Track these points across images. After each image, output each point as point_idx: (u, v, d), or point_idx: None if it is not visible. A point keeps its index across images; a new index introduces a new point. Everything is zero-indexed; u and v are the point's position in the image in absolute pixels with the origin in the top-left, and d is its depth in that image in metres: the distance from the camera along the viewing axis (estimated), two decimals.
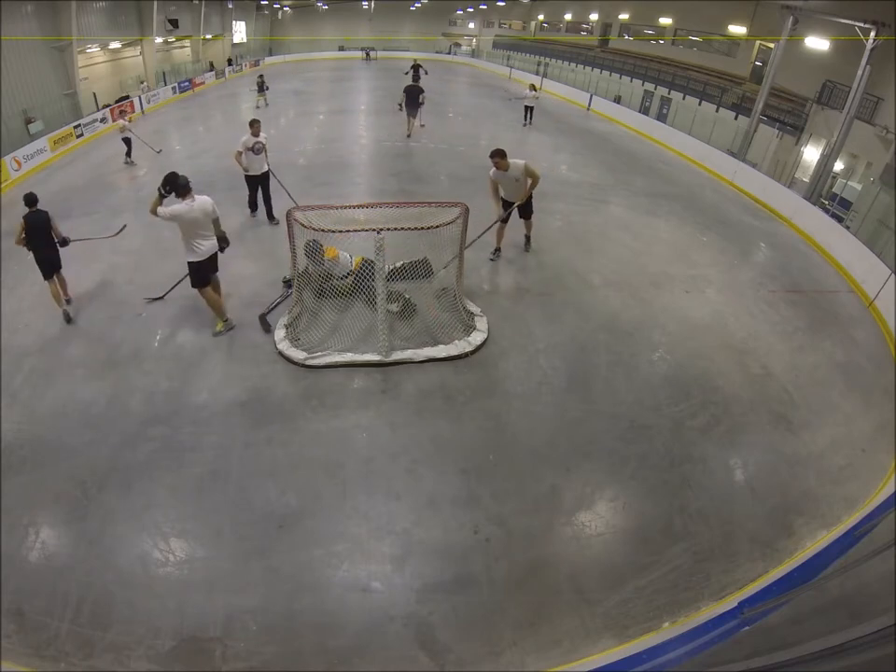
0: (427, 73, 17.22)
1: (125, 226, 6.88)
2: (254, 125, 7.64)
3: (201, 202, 4.95)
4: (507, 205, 6.57)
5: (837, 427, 4.66)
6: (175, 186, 4.85)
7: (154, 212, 4.81)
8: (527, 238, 7.24)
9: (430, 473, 3.94)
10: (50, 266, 5.66)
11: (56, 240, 5.60)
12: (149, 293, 6.09)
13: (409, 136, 13.40)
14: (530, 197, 6.61)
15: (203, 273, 5.19)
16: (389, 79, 25.91)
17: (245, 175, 7.99)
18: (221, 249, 5.36)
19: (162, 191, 4.85)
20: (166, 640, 2.92)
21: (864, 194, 9.76)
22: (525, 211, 6.78)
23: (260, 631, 2.98)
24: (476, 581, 3.25)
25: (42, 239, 5.51)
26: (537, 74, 26.18)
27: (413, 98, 12.78)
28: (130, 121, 12.25)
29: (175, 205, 4.85)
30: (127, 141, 11.59)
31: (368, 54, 37.65)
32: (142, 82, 20.85)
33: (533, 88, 15.97)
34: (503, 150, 6.16)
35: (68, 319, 5.64)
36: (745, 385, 5.04)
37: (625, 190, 10.42)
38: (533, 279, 6.62)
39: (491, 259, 7.01)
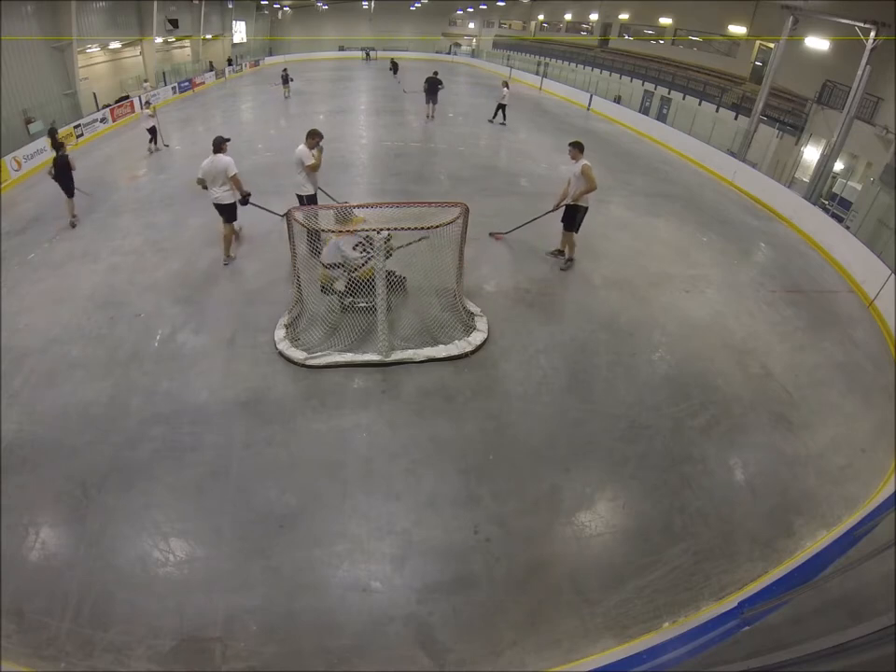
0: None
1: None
2: (313, 136, 6.28)
3: (216, 160, 6.11)
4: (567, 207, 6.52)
5: (837, 427, 4.66)
6: (218, 144, 6.17)
7: None
8: (559, 251, 6.91)
9: (430, 473, 3.94)
10: (68, 189, 8.17)
11: (72, 170, 8.17)
12: (149, 293, 6.10)
13: (428, 117, 15.75)
14: (576, 208, 6.42)
15: (219, 212, 6.46)
16: (389, 79, 25.93)
17: (300, 196, 6.53)
18: (243, 202, 6.42)
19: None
20: (166, 640, 2.92)
21: (864, 194, 9.78)
22: (568, 219, 6.53)
23: (260, 631, 2.98)
24: (476, 581, 3.25)
25: (64, 172, 8.03)
26: (537, 74, 26.21)
27: (432, 88, 15.34)
28: (153, 111, 12.81)
29: (223, 158, 6.11)
30: (152, 130, 12.33)
31: (368, 54, 37.64)
32: (145, 81, 20.89)
33: (505, 85, 15.32)
34: (580, 143, 6.26)
35: (73, 225, 8.10)
36: (745, 384, 5.04)
37: (625, 190, 10.43)
38: (533, 279, 6.62)
39: (561, 269, 6.86)
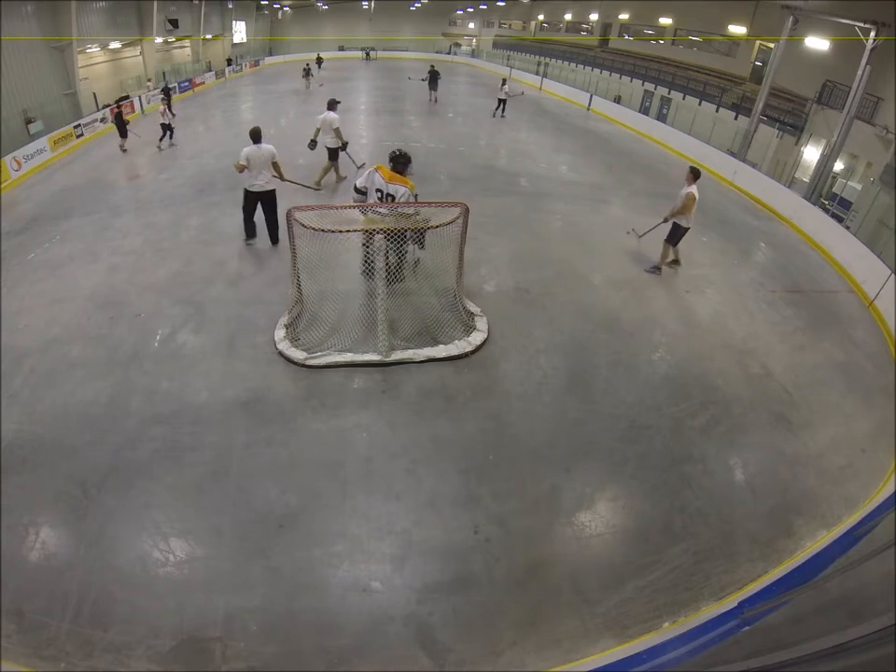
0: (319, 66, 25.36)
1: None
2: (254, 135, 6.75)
3: (326, 115, 8.64)
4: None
5: (837, 427, 4.66)
6: (331, 104, 8.84)
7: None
8: (672, 261, 7.09)
9: (430, 473, 3.94)
10: (121, 132, 12.38)
11: (126, 123, 12.58)
12: (149, 293, 6.10)
13: (431, 101, 18.93)
14: (677, 225, 6.69)
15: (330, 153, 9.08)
16: (389, 79, 25.96)
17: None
18: (342, 148, 9.04)
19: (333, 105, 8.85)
20: (166, 640, 2.92)
21: (864, 194, 9.77)
22: (669, 233, 6.81)
23: (260, 631, 2.98)
24: (476, 581, 3.25)
25: (119, 120, 12.42)
26: (537, 74, 26.22)
27: (434, 78, 18.83)
28: (161, 105, 13.21)
29: (331, 114, 8.72)
30: (164, 126, 12.72)
31: (368, 54, 37.69)
32: (149, 80, 20.92)
33: (504, 82, 16.98)
34: (698, 170, 6.62)
35: (123, 151, 12.49)
36: (745, 384, 5.04)
37: (625, 190, 10.43)
38: (533, 279, 6.62)
39: (649, 272, 7.01)
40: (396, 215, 4.93)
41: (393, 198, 5.27)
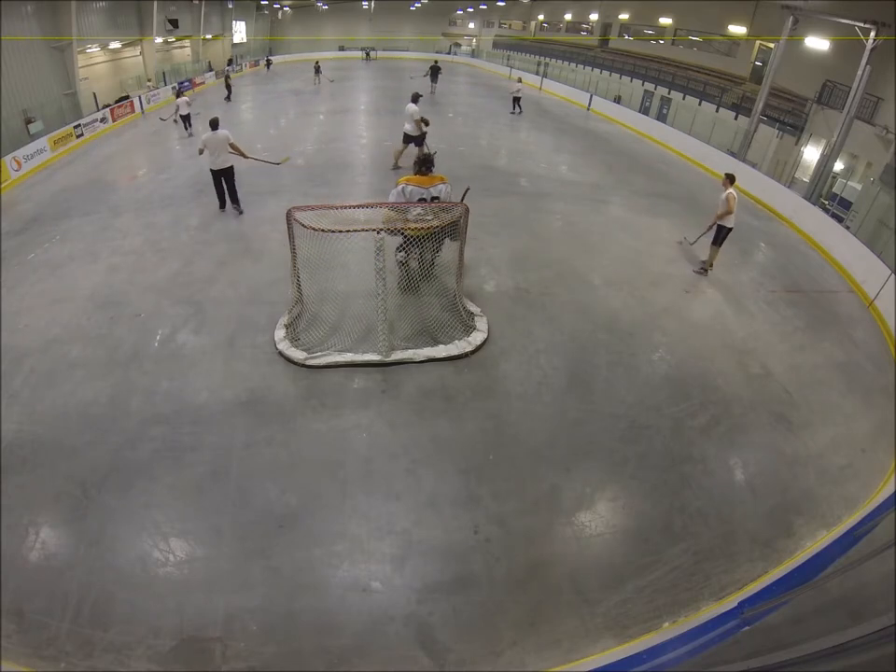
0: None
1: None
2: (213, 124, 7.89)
3: (409, 106, 9.86)
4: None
5: (837, 427, 4.66)
6: (414, 97, 10.13)
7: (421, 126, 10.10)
8: (709, 265, 7.16)
9: (430, 473, 3.94)
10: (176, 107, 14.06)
11: (181, 95, 14.25)
12: (149, 293, 6.10)
13: (431, 93, 20.41)
14: (721, 227, 6.85)
15: (410, 141, 10.22)
16: (389, 79, 25.96)
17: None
18: (423, 137, 10.20)
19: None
20: (166, 640, 2.92)
21: (864, 194, 9.78)
22: (715, 235, 6.95)
23: (260, 631, 2.98)
24: (476, 581, 3.25)
25: (179, 97, 14.07)
26: (537, 74, 26.23)
27: (435, 72, 21.01)
28: (185, 96, 14.34)
29: (413, 106, 9.90)
30: (187, 117, 13.95)
31: (368, 54, 37.72)
32: (149, 80, 20.91)
33: (519, 80, 18.54)
34: (733, 175, 6.85)
35: (173, 120, 14.45)
36: (745, 384, 5.04)
37: (625, 190, 10.42)
38: (533, 279, 6.62)
39: (697, 272, 7.13)
40: (437, 212, 5.04)
41: (438, 199, 5.42)
